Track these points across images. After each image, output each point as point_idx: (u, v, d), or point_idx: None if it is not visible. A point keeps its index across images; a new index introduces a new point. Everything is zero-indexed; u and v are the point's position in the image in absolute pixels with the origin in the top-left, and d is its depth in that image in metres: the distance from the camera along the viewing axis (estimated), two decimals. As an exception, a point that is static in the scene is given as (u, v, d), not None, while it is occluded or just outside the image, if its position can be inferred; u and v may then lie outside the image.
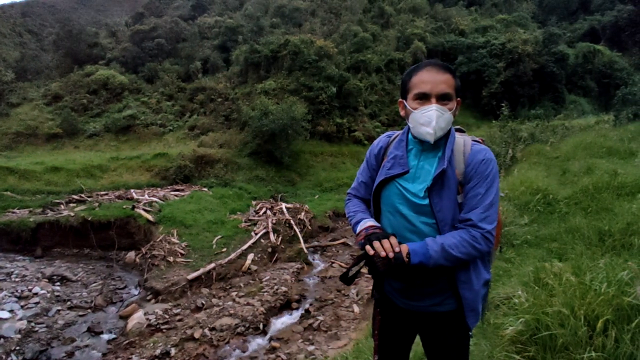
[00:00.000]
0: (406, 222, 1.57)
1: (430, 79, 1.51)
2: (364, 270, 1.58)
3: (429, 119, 1.49)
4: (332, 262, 10.34)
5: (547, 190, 5.93)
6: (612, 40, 31.79)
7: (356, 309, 7.70)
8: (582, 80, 28.29)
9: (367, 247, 1.43)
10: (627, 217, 4.26)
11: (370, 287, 6.50)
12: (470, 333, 1.63)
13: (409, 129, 1.63)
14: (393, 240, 1.44)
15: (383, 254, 1.40)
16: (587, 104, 26.85)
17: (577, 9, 37.78)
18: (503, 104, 14.76)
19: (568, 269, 2.63)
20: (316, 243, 11.95)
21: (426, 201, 1.52)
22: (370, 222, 1.60)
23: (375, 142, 1.80)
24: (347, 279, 1.59)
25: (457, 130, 1.68)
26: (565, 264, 2.84)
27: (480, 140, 1.66)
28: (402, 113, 1.64)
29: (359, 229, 1.60)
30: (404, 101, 1.60)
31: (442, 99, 1.51)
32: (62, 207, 11.92)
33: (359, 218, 1.66)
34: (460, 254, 1.44)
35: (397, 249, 1.41)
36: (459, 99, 1.58)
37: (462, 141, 1.58)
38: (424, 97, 1.52)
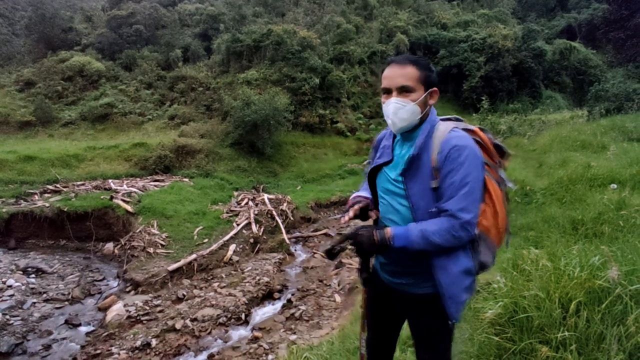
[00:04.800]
0: (390, 206, 1.69)
1: (390, 74, 1.64)
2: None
3: (387, 112, 1.63)
4: (314, 253, 10.39)
5: (524, 181, 6.13)
6: (587, 38, 32.68)
7: (338, 298, 7.78)
8: (558, 76, 29.02)
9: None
10: (598, 207, 4.46)
11: (351, 278, 6.54)
12: (450, 322, 1.60)
13: None
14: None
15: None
16: (563, 99, 27.60)
17: (555, 6, 38.57)
18: (483, 98, 15.04)
19: (544, 256, 2.74)
20: (298, 234, 11.98)
21: (402, 185, 1.63)
22: (357, 193, 1.86)
23: (381, 133, 1.95)
24: (332, 254, 1.70)
25: (455, 119, 1.75)
26: (542, 250, 2.95)
27: (475, 129, 1.70)
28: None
29: (349, 203, 1.83)
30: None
31: (402, 91, 1.61)
32: (37, 197, 11.53)
33: (357, 193, 1.90)
34: (441, 241, 1.49)
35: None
36: (434, 88, 1.65)
37: (443, 128, 1.63)
38: (388, 92, 1.65)
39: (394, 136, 1.77)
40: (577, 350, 2.03)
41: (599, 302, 2.16)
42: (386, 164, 1.74)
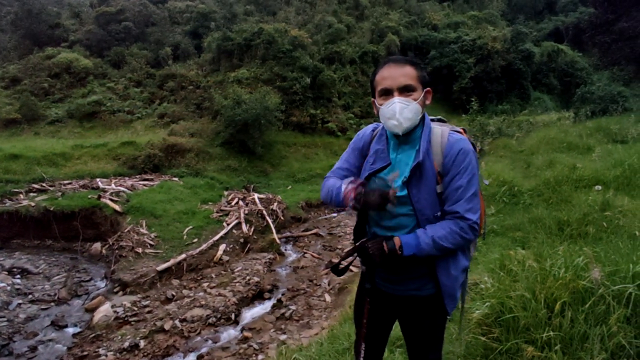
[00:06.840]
0: (388, 213, 1.61)
1: (389, 74, 1.60)
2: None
3: (393, 112, 1.56)
4: (305, 253, 10.40)
5: (512, 182, 6.21)
6: (574, 41, 33.14)
7: (328, 298, 7.79)
8: (546, 78, 29.40)
9: (391, 191, 1.48)
10: (583, 208, 4.55)
11: (342, 278, 6.52)
12: (447, 317, 1.72)
13: None
14: (392, 192, 1.49)
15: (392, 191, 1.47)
16: (550, 101, 27.97)
17: (543, 9, 39.04)
18: (473, 99, 15.18)
19: (530, 256, 2.79)
20: (288, 233, 11.97)
21: (404, 192, 1.58)
22: (351, 178, 1.63)
23: (360, 134, 1.85)
24: (338, 271, 1.70)
25: (438, 120, 1.75)
26: (528, 251, 3.01)
27: (461, 131, 1.71)
28: (375, 112, 1.70)
29: (344, 188, 1.59)
30: (375, 100, 1.68)
31: (404, 90, 1.58)
32: (22, 196, 11.32)
33: (339, 184, 1.66)
34: (450, 245, 1.53)
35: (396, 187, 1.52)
36: (428, 88, 1.64)
37: (439, 132, 1.64)
38: (387, 93, 1.60)
39: (387, 139, 1.71)
40: (561, 350, 2.07)
41: (582, 303, 2.21)
42: (382, 169, 1.66)
